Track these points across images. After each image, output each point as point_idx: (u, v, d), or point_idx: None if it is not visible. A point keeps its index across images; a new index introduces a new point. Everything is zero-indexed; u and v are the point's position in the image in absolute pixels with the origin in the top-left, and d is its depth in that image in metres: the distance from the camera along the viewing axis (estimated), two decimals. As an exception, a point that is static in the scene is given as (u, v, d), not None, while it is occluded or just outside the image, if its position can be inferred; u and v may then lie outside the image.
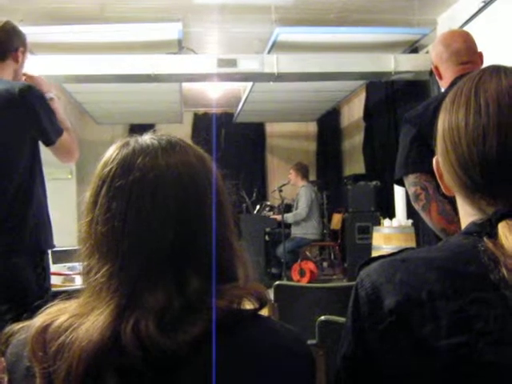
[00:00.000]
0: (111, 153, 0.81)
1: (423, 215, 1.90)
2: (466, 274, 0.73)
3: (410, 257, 0.78)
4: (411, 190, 1.92)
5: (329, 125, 9.52)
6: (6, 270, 1.99)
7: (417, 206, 1.92)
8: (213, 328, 0.71)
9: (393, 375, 0.73)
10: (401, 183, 2.00)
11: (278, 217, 6.89)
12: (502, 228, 0.74)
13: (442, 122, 0.83)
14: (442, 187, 0.87)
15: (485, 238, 0.74)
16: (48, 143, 2.13)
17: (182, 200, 0.77)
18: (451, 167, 0.81)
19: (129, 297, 0.73)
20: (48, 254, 2.13)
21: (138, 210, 0.76)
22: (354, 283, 0.81)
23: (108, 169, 0.79)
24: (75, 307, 0.77)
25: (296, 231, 6.85)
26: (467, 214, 0.83)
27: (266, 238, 6.97)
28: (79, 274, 0.82)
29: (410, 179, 1.92)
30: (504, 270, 0.70)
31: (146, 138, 0.83)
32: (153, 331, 0.70)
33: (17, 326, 0.80)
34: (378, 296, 0.75)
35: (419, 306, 0.72)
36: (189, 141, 0.86)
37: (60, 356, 0.71)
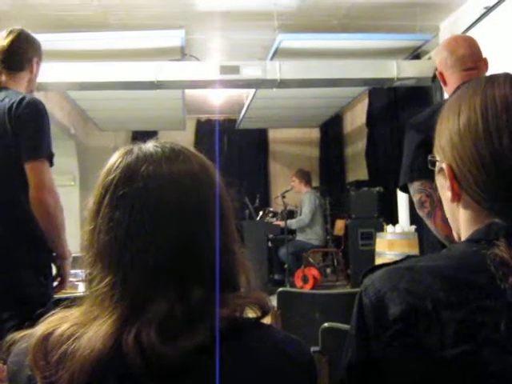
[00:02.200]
0: (114, 160, 0.80)
1: (428, 222, 1.89)
2: (470, 283, 0.72)
3: (414, 265, 0.78)
4: (416, 197, 1.90)
5: (332, 131, 9.53)
6: (8, 277, 1.99)
7: (421, 213, 1.91)
8: (216, 337, 0.71)
9: (397, 384, 0.73)
10: (405, 190, 1.99)
11: (281, 223, 6.89)
12: None
13: (458, 126, 0.80)
14: (449, 193, 0.83)
15: (501, 244, 0.73)
16: (26, 158, 1.99)
17: (184, 209, 0.77)
18: (465, 172, 0.79)
19: (131, 307, 0.73)
20: (51, 261, 2.13)
21: (140, 219, 0.75)
22: (357, 290, 0.80)
23: (111, 177, 0.78)
24: (77, 316, 0.76)
25: (300, 237, 6.84)
26: (469, 222, 0.82)
27: (269, 244, 6.96)
28: (82, 280, 0.82)
29: (414, 186, 1.91)
30: None
31: (150, 146, 0.82)
32: (155, 340, 0.69)
33: (18, 335, 0.79)
34: (382, 304, 0.75)
35: (424, 314, 0.71)
36: (192, 147, 0.85)
37: (62, 365, 0.70)
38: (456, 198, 0.83)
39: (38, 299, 1.98)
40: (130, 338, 0.70)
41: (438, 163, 0.86)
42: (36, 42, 2.23)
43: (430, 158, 0.88)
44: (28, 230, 2.02)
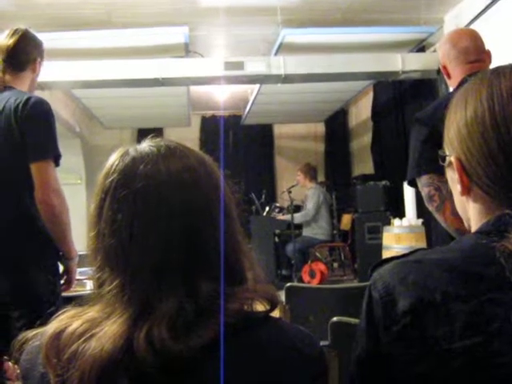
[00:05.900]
0: (111, 163, 0.81)
1: (437, 216, 1.88)
2: (480, 275, 0.72)
3: (423, 258, 0.78)
4: (424, 191, 1.89)
5: (337, 125, 9.52)
6: (17, 276, 2.00)
7: (430, 207, 1.90)
8: (221, 331, 0.71)
9: (407, 377, 0.73)
10: (413, 184, 1.98)
11: (284, 217, 6.90)
12: None
13: (465, 118, 0.80)
14: (459, 186, 0.83)
15: (511, 236, 0.73)
16: (32, 158, 1.99)
17: (186, 205, 0.77)
18: (474, 164, 0.79)
19: (141, 306, 0.73)
20: (58, 260, 2.14)
21: (143, 219, 0.76)
22: (364, 284, 0.80)
23: (110, 180, 0.78)
24: (89, 315, 0.77)
25: (306, 232, 6.84)
26: (480, 214, 0.81)
27: (276, 239, 6.97)
28: (89, 278, 0.82)
29: (423, 180, 1.90)
30: None
31: (145, 146, 0.82)
32: (166, 337, 0.70)
33: (31, 333, 0.80)
34: (391, 298, 0.75)
35: (433, 307, 0.71)
36: (197, 144, 0.86)
37: (73, 364, 0.71)
38: (466, 190, 0.82)
39: (47, 298, 1.99)
40: (141, 335, 0.70)
41: (447, 157, 0.86)
42: (39, 42, 2.24)
43: (439, 153, 0.88)
44: (35, 230, 2.02)
